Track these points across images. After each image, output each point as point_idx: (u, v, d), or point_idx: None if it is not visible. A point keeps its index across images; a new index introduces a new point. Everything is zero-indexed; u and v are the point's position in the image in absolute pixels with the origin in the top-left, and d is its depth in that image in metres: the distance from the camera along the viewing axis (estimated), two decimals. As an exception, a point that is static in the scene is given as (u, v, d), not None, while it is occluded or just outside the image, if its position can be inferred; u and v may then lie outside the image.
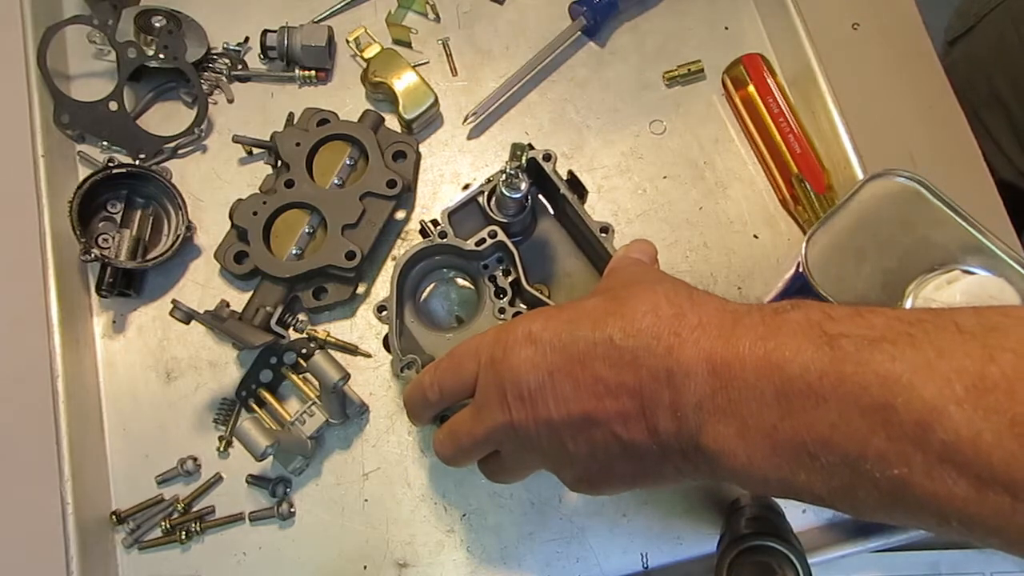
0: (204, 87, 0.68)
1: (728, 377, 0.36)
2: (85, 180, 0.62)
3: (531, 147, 0.56)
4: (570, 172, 0.58)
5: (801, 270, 0.49)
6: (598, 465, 0.42)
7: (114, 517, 0.59)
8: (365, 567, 0.59)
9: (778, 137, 0.65)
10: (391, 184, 0.63)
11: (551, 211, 0.61)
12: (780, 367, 0.35)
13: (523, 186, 0.53)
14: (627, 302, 0.41)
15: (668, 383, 0.38)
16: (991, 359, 0.30)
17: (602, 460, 0.42)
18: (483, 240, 0.57)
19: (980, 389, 0.30)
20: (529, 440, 0.43)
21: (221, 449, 0.61)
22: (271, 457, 0.56)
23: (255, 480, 0.60)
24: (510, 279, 0.59)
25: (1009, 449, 0.29)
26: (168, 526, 0.59)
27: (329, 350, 0.62)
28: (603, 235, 0.56)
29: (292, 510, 0.59)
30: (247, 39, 0.71)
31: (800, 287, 0.49)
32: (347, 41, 0.70)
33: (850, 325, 0.34)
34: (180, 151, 0.68)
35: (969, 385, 0.30)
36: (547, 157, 0.57)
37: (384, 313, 0.56)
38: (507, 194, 0.54)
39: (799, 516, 0.59)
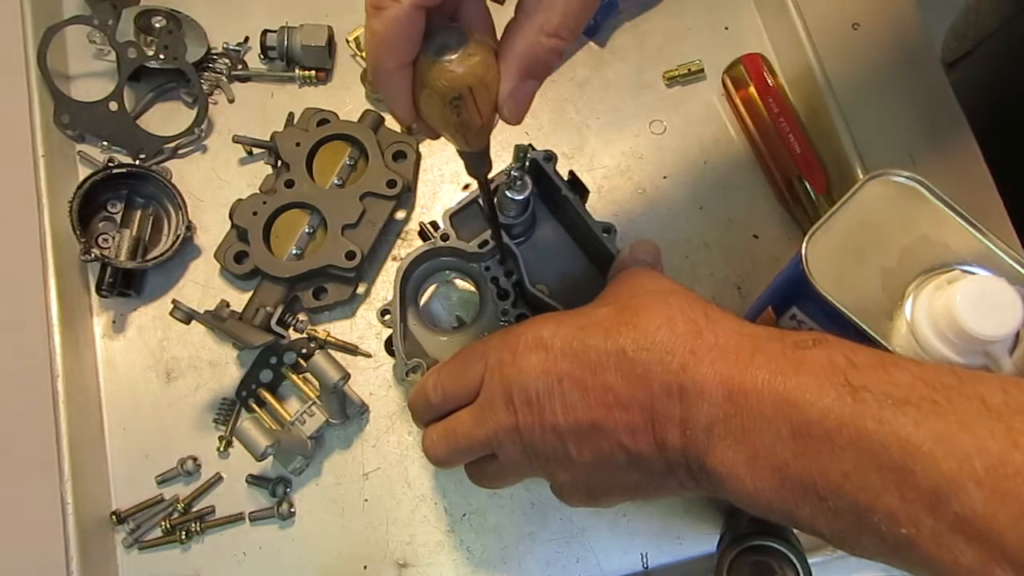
0: (204, 87, 0.68)
1: (744, 405, 0.36)
2: (85, 180, 0.62)
3: (532, 148, 0.56)
4: (571, 172, 0.58)
5: (800, 269, 0.49)
6: (600, 474, 0.42)
7: (114, 517, 0.59)
8: (365, 567, 0.59)
9: (778, 137, 0.65)
10: (391, 184, 0.63)
11: (551, 212, 0.61)
12: (798, 407, 0.35)
13: (527, 188, 0.53)
14: (639, 313, 0.41)
15: (680, 399, 0.38)
16: (1015, 444, 0.30)
17: (605, 469, 0.42)
18: (485, 242, 0.57)
19: (1001, 474, 0.30)
20: (532, 445, 0.43)
21: (221, 449, 0.61)
22: (271, 457, 0.56)
23: (255, 480, 0.60)
24: (512, 280, 0.58)
25: (1023, 534, 0.29)
26: (168, 526, 0.59)
27: (329, 350, 0.62)
28: (605, 235, 0.56)
29: (292, 510, 0.59)
30: (247, 39, 0.71)
31: (800, 287, 0.49)
32: (347, 41, 0.70)
33: (874, 379, 0.34)
34: (180, 151, 0.68)
35: (990, 466, 0.30)
36: (548, 158, 0.57)
37: (387, 317, 0.56)
38: (511, 196, 0.54)
39: (799, 516, 0.59)
